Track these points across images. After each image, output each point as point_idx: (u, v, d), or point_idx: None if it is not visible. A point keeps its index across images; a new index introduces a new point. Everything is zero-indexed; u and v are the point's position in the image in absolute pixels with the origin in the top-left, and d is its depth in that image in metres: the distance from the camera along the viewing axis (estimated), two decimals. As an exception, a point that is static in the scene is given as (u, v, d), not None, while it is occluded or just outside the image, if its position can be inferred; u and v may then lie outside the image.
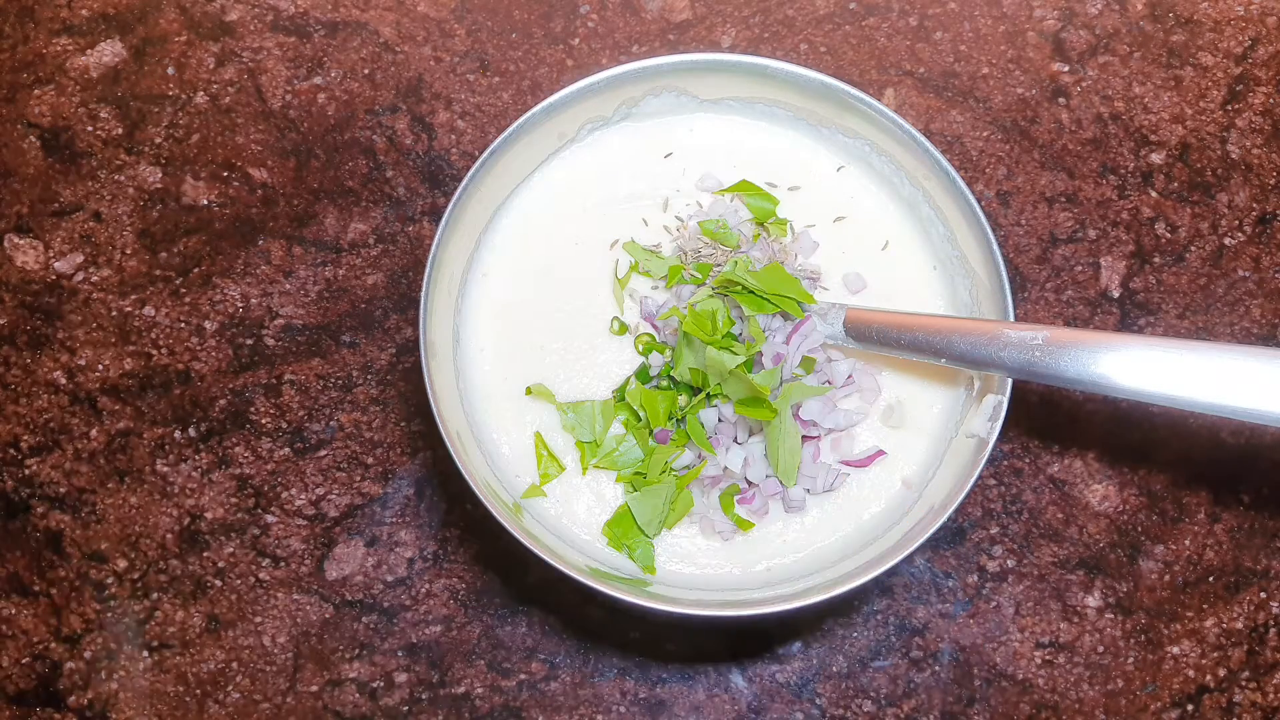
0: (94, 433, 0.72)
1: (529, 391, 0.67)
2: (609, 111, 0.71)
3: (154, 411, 0.72)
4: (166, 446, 0.72)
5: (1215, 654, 0.69)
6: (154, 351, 0.73)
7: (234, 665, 0.68)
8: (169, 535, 0.70)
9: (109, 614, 0.69)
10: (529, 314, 0.69)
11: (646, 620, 0.69)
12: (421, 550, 0.70)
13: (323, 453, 0.72)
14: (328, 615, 0.69)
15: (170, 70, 0.79)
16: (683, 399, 0.65)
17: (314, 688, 0.68)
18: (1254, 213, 0.77)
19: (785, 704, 0.68)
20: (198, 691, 0.68)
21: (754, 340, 0.64)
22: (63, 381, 0.73)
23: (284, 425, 0.72)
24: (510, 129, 0.66)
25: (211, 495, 0.71)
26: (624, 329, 0.68)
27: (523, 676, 0.68)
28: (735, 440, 0.65)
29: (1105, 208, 0.77)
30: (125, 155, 0.78)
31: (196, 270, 0.75)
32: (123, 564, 0.70)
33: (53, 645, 0.68)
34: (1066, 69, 0.80)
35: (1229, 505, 0.72)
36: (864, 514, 0.66)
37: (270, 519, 0.70)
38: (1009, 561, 0.70)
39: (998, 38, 0.80)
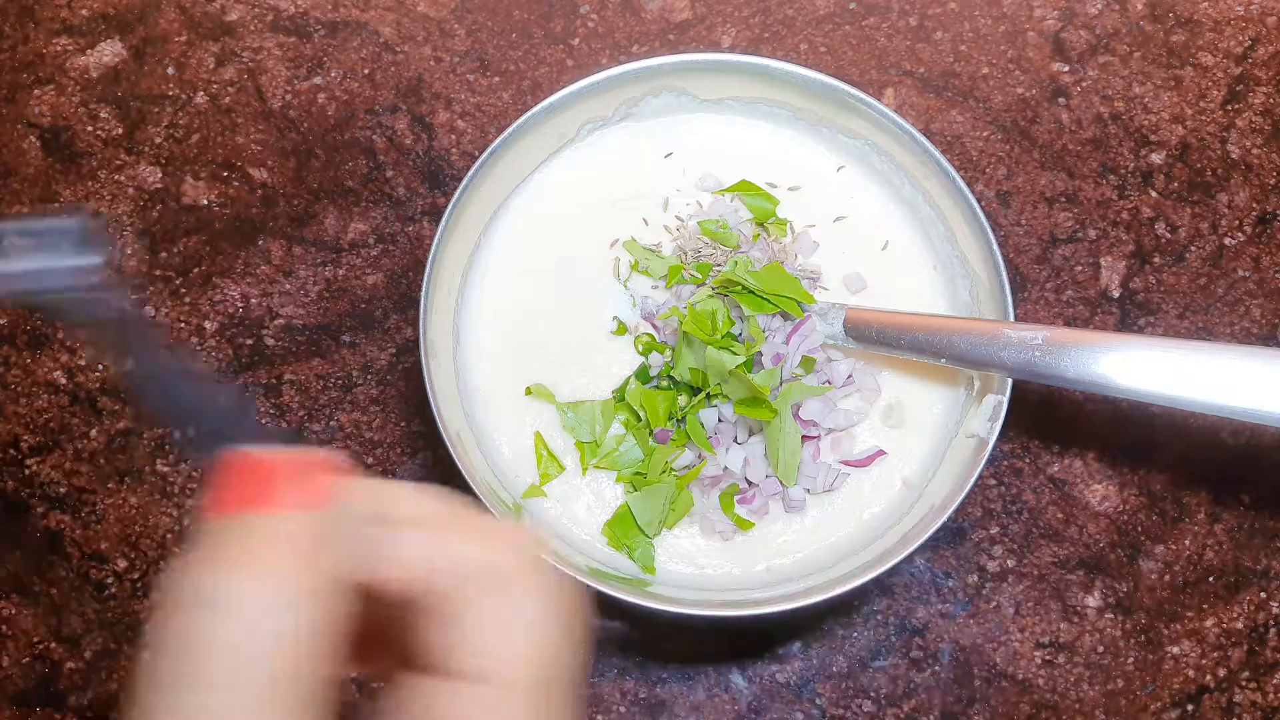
0: (94, 433, 0.72)
1: (529, 392, 0.67)
2: (609, 111, 0.71)
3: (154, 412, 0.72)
4: (166, 446, 0.72)
5: (1215, 654, 0.69)
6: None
7: (234, 665, 0.68)
8: (169, 535, 0.70)
9: (109, 614, 0.69)
10: (529, 314, 0.69)
11: (646, 620, 0.69)
12: (421, 550, 0.70)
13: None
14: (328, 615, 0.69)
15: (170, 70, 0.79)
16: (683, 399, 0.66)
17: (314, 688, 0.68)
18: (1254, 213, 0.77)
19: (785, 704, 0.68)
20: (198, 691, 0.68)
21: (754, 340, 0.65)
22: (63, 381, 0.73)
23: (284, 426, 0.72)
24: (510, 129, 0.66)
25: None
26: (624, 329, 0.69)
27: (523, 676, 0.68)
28: (735, 440, 0.65)
29: (1105, 208, 0.78)
30: (125, 155, 0.78)
31: (196, 270, 0.75)
32: (123, 564, 0.70)
33: (53, 645, 0.69)
34: (1066, 69, 0.80)
35: (1229, 505, 0.72)
36: (864, 514, 0.66)
37: (270, 519, 0.70)
38: (1009, 561, 0.71)
39: (998, 38, 0.81)
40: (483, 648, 0.30)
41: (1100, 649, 0.69)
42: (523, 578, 0.32)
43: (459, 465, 0.60)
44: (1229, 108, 0.79)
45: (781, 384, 0.64)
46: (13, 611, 0.69)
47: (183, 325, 0.74)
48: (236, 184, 0.77)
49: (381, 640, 0.32)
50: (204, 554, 0.28)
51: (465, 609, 0.31)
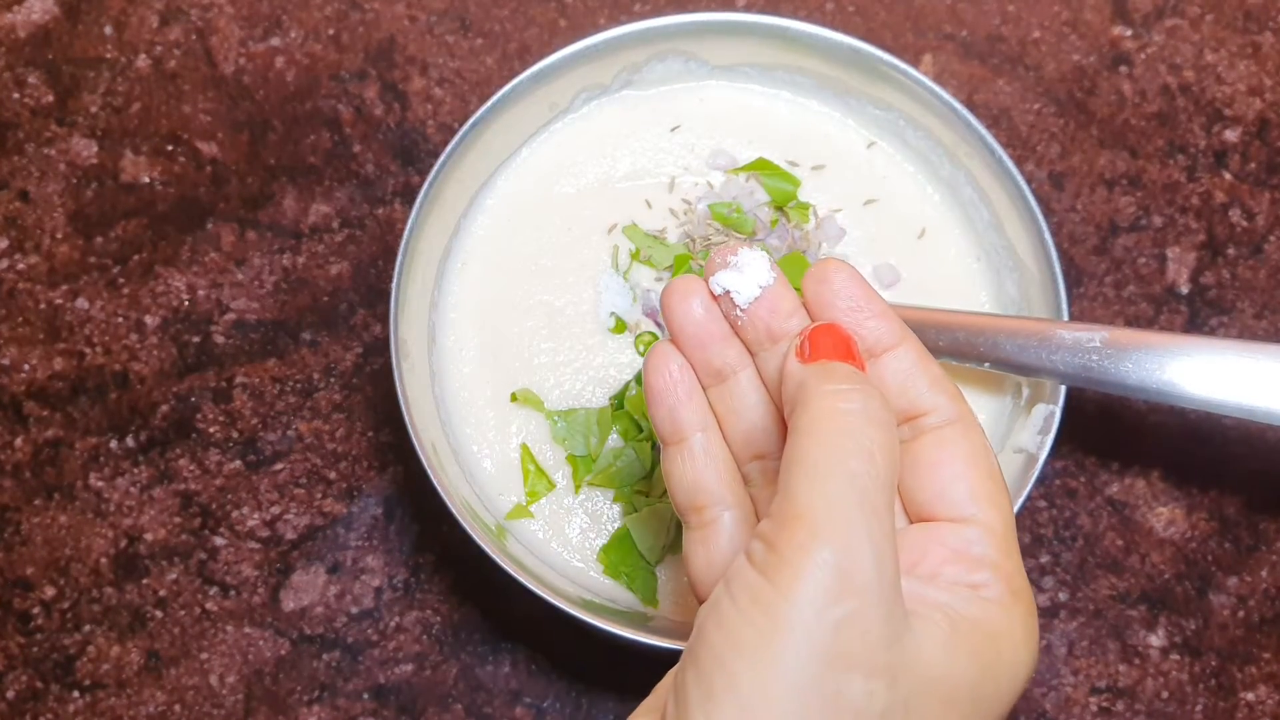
0: (18, 442, 0.72)
1: (514, 398, 0.67)
2: (607, 79, 0.71)
3: (87, 419, 0.72)
4: (101, 459, 0.72)
5: (1296, 701, 0.69)
6: (87, 350, 0.73)
7: (176, 708, 0.68)
8: (104, 559, 0.70)
9: (35, 649, 0.69)
10: (514, 309, 0.69)
11: (647, 660, 0.69)
12: (391, 579, 0.70)
13: (279, 466, 0.72)
14: (283, 652, 0.69)
15: (108, 30, 0.79)
16: (690, 407, 0.65)
17: (267, 734, 0.68)
18: (1342, 198, 0.77)
19: (805, 756, 0.68)
20: (135, 738, 0.68)
21: (771, 341, 0.64)
22: (-17, 384, 0.73)
23: (235, 435, 0.72)
24: (494, 98, 0.66)
25: (152, 514, 0.71)
26: (623, 326, 0.69)
27: (506, 723, 0.68)
28: (749, 454, 0.65)
29: (1172, 192, 0.77)
30: (56, 126, 0.78)
31: (136, 258, 0.75)
32: (51, 592, 0.70)
33: (-30, 684, 0.68)
34: (1129, 33, 0.80)
35: (1312, 531, 0.72)
36: (896, 539, 0.66)
37: (219, 542, 0.70)
38: (1061, 595, 0.70)
39: (1051, -3, 0.81)
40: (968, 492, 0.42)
41: (1165, 695, 0.69)
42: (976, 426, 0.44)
43: (434, 481, 0.60)
44: (1314, 78, 0.79)
45: (802, 391, 0.64)
46: (-75, 646, 0.69)
47: (120, 320, 0.74)
48: (182, 160, 0.77)
49: None
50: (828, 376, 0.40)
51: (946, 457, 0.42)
